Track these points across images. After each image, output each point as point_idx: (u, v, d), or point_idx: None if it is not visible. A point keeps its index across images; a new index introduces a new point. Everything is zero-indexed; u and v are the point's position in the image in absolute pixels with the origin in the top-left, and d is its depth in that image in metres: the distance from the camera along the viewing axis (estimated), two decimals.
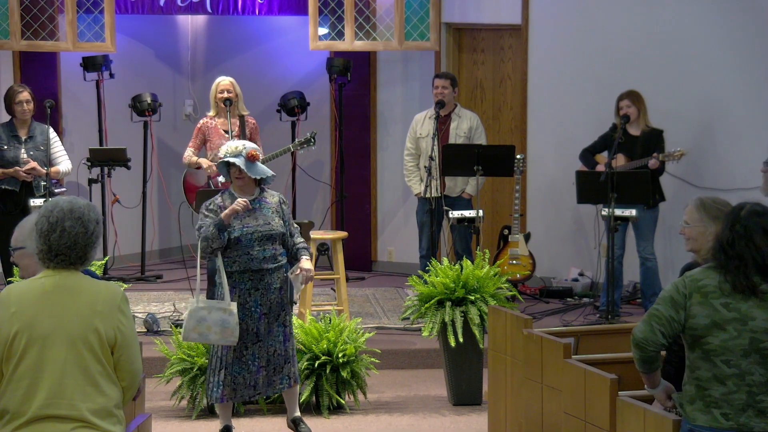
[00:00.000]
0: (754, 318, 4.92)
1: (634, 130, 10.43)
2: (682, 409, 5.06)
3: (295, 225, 7.99)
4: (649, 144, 10.37)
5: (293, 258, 7.89)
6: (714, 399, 4.95)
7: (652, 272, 10.44)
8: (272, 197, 7.86)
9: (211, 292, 7.85)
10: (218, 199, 7.82)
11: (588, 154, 10.64)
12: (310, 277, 7.87)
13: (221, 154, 7.75)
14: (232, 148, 7.70)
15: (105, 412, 4.63)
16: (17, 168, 10.32)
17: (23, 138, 10.43)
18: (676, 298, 5.00)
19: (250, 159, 7.67)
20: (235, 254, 7.74)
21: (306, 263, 7.84)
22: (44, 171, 10.28)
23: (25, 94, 10.40)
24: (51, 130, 10.56)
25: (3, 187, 10.35)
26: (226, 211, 7.63)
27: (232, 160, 7.65)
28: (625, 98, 10.42)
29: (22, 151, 10.40)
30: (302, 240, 7.96)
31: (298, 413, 8.07)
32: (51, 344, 4.59)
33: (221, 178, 10.22)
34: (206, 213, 7.76)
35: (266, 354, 7.78)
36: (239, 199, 7.66)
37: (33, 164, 10.30)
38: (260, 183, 7.83)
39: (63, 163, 10.48)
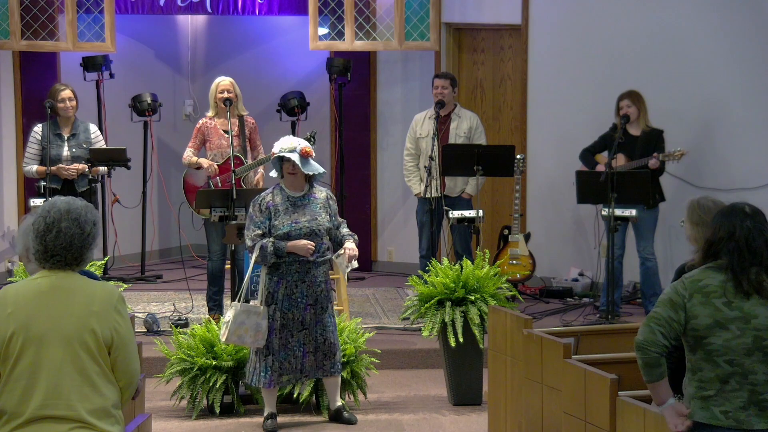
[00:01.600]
0: (756, 316, 4.92)
1: (634, 130, 10.43)
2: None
3: (341, 219, 8.25)
4: (649, 144, 10.37)
5: (338, 245, 8.15)
6: (714, 397, 4.94)
7: (652, 272, 10.44)
8: (320, 193, 8.15)
9: (243, 292, 8.13)
10: (268, 196, 8.09)
11: (588, 154, 10.64)
12: (353, 255, 8.08)
13: (276, 149, 7.99)
14: (287, 143, 7.96)
15: (103, 412, 4.63)
16: (60, 166, 10.36)
17: (66, 136, 10.47)
18: (675, 300, 5.00)
19: (304, 155, 7.95)
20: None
21: (349, 244, 8.10)
22: (84, 168, 10.35)
23: (67, 92, 10.45)
24: (94, 126, 10.62)
25: (46, 185, 10.40)
26: (291, 244, 7.91)
27: (287, 155, 7.91)
28: (625, 98, 10.42)
29: (65, 149, 10.44)
30: (348, 231, 8.22)
31: (340, 401, 8.32)
32: (47, 345, 4.59)
33: (217, 178, 10.23)
34: (257, 213, 8.06)
35: (314, 341, 8.05)
36: (308, 246, 7.92)
37: (75, 166, 10.37)
38: (310, 179, 8.09)
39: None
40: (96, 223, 4.75)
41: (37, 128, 10.54)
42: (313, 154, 8.05)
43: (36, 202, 10.22)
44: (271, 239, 7.97)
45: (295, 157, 7.91)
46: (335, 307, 9.87)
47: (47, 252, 4.68)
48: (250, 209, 8.13)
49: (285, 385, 8.21)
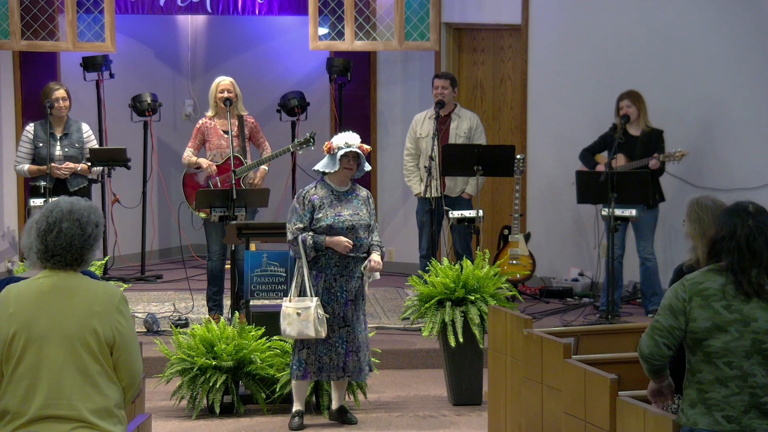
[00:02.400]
0: (756, 319, 4.91)
1: (634, 130, 10.43)
2: (682, 412, 5.06)
3: (376, 223, 8.29)
4: (649, 144, 10.37)
5: (366, 253, 8.16)
6: (716, 401, 4.94)
7: (652, 272, 10.45)
8: (362, 191, 8.26)
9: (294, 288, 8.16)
10: (312, 189, 8.15)
11: (588, 154, 10.64)
12: (376, 268, 8.10)
13: (340, 143, 8.05)
14: (351, 139, 8.08)
15: (105, 412, 4.62)
16: (53, 165, 10.35)
17: (59, 135, 10.47)
18: (674, 305, 5.00)
19: (364, 152, 8.10)
20: None
21: (375, 256, 8.11)
22: (77, 167, 10.34)
23: (61, 92, 10.44)
24: (86, 126, 10.61)
25: (38, 184, 10.40)
26: (330, 239, 7.97)
27: (354, 150, 8.00)
28: (625, 98, 10.42)
29: (58, 148, 10.43)
30: (379, 239, 8.25)
31: (343, 401, 8.33)
32: (49, 344, 4.59)
33: (217, 178, 10.23)
34: (300, 206, 8.09)
35: (356, 340, 8.08)
36: (346, 244, 7.97)
37: (68, 165, 10.36)
38: (352, 176, 8.21)
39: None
40: (98, 225, 4.74)
41: (29, 127, 10.54)
42: (368, 152, 8.20)
43: (36, 202, 10.22)
44: (311, 233, 8.01)
45: (360, 152, 8.04)
46: None
47: (48, 251, 4.68)
48: (294, 202, 8.17)
49: (325, 379, 8.19)
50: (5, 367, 4.62)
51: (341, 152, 8.02)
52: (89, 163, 10.52)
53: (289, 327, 7.98)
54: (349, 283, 8.08)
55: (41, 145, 10.40)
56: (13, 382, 4.60)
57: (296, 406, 8.22)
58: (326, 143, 8.18)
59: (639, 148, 10.37)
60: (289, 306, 7.99)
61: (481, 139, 10.81)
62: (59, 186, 10.41)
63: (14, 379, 4.60)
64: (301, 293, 8.08)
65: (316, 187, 8.16)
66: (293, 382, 8.19)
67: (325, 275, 8.07)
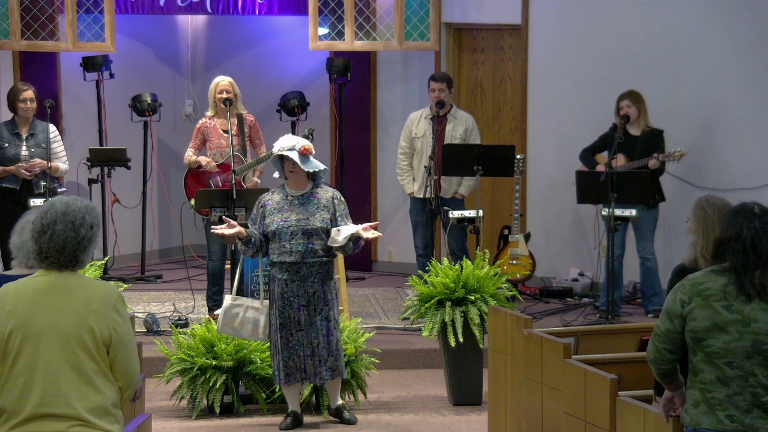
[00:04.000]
0: (756, 320, 4.91)
1: (634, 130, 10.43)
2: (685, 412, 5.05)
3: (349, 218, 8.11)
4: (649, 144, 10.37)
5: (326, 255, 8.03)
6: (719, 401, 4.93)
7: (652, 272, 10.45)
8: (326, 193, 8.09)
9: (241, 289, 8.25)
10: (269, 194, 8.13)
11: (588, 154, 10.64)
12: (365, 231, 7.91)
13: (275, 148, 7.96)
14: (286, 142, 7.94)
15: (102, 410, 4.62)
16: (19, 165, 10.32)
17: (24, 136, 10.44)
18: (671, 309, 5.02)
19: (304, 153, 7.93)
20: (274, 246, 8.03)
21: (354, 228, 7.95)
22: (46, 165, 10.28)
23: (29, 93, 10.42)
24: (52, 127, 10.57)
25: (4, 185, 10.36)
26: (222, 231, 7.91)
27: (286, 153, 7.88)
28: (625, 98, 10.42)
29: (23, 148, 10.40)
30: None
31: (340, 401, 8.31)
32: (45, 342, 4.59)
33: (216, 177, 10.24)
34: (255, 209, 8.13)
35: (310, 344, 8.02)
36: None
37: (37, 161, 10.30)
38: (314, 178, 8.06)
39: (63, 162, 10.50)
40: (94, 226, 4.73)
41: None
42: (313, 152, 8.03)
43: (36, 202, 10.21)
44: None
45: (294, 155, 7.88)
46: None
47: (42, 253, 4.68)
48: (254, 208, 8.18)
49: (293, 383, 8.13)
50: (2, 365, 4.62)
51: (281, 156, 7.96)
52: (65, 163, 10.46)
53: (239, 326, 8.04)
54: (302, 288, 7.96)
55: (6, 145, 10.38)
56: (9, 380, 4.60)
57: (290, 407, 8.25)
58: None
59: (639, 148, 10.37)
60: (242, 302, 8.07)
61: (477, 140, 10.81)
62: (25, 187, 10.35)
63: (11, 377, 4.60)
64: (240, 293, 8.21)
65: (274, 191, 8.12)
66: (283, 388, 8.22)
67: (279, 280, 8.00)
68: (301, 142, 7.95)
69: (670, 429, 5.30)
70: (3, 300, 4.66)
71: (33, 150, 10.40)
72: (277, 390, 8.43)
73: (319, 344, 8.02)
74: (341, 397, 8.48)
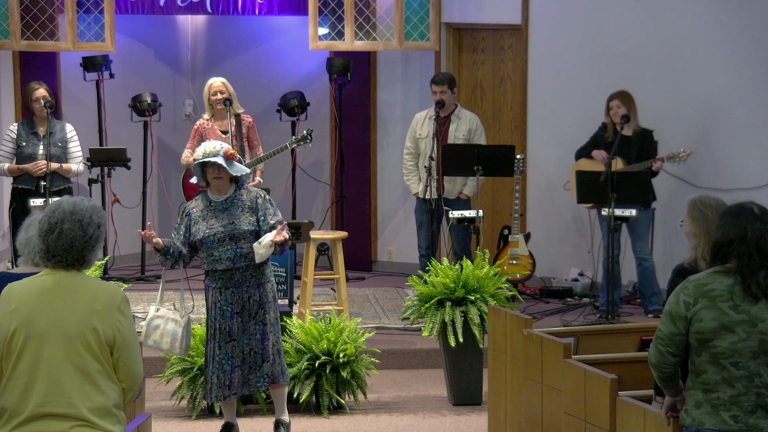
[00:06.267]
0: (764, 320, 4.91)
1: (625, 131, 10.43)
2: (686, 413, 5.05)
3: (277, 215, 7.78)
4: (642, 145, 10.38)
5: (252, 260, 7.70)
6: (723, 401, 4.93)
7: (649, 272, 10.44)
8: (248, 194, 7.79)
9: (160, 296, 7.99)
10: (192, 202, 7.83)
11: (585, 153, 10.63)
12: (280, 238, 7.55)
13: (198, 155, 7.67)
14: (210, 148, 7.65)
15: (104, 411, 4.62)
16: (37, 162, 10.35)
17: (42, 135, 10.46)
18: (674, 312, 5.01)
19: (229, 158, 7.65)
20: (203, 255, 7.77)
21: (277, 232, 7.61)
22: (57, 166, 10.32)
23: (41, 91, 10.45)
24: (70, 126, 10.60)
25: (20, 186, 10.40)
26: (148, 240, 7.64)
27: (212, 159, 7.59)
28: (615, 98, 10.44)
29: (41, 147, 10.43)
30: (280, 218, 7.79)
31: (283, 416, 7.96)
32: (48, 342, 4.59)
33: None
34: (178, 218, 7.85)
35: (241, 353, 7.71)
36: (36, 165, 7.58)
37: (41, 163, 10.33)
38: (236, 182, 7.78)
39: (77, 163, 10.54)
40: (101, 225, 4.74)
41: (13, 127, 10.58)
42: (237, 156, 7.80)
43: (36, 202, 10.22)
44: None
45: (220, 161, 7.59)
46: (335, 307, 9.90)
47: (49, 252, 4.68)
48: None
49: (215, 401, 7.84)
50: (5, 364, 4.62)
51: (204, 163, 7.65)
52: (80, 164, 10.49)
53: (159, 339, 7.76)
54: (236, 294, 7.67)
55: (24, 144, 10.40)
56: (12, 380, 4.61)
57: (225, 419, 7.95)
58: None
59: (633, 148, 10.36)
60: (164, 315, 7.79)
61: (481, 140, 10.80)
62: (39, 186, 10.38)
63: (14, 376, 4.60)
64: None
65: (197, 199, 7.82)
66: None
67: (212, 289, 7.72)
68: (225, 147, 7.67)
69: (670, 429, 5.30)
70: (7, 299, 4.66)
71: (50, 149, 10.43)
72: None
73: (251, 350, 7.69)
74: (341, 398, 8.48)
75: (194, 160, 7.76)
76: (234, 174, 7.67)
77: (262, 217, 7.72)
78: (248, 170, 7.84)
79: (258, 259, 7.63)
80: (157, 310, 7.85)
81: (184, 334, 7.77)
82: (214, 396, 7.75)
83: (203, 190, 7.91)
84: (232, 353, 7.70)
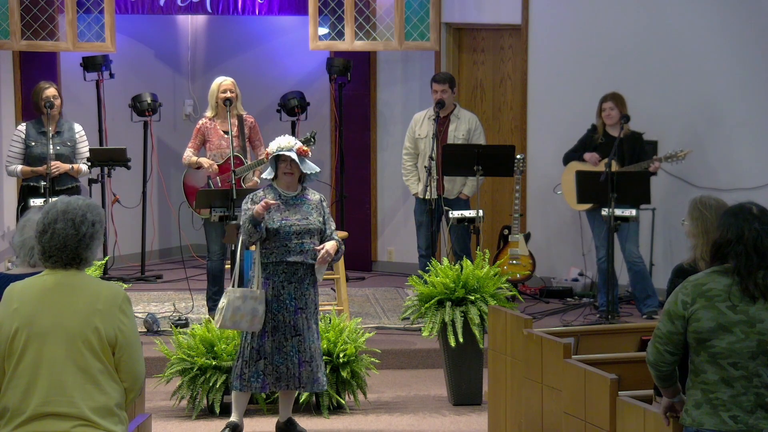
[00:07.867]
0: (762, 320, 4.91)
1: (614, 132, 10.42)
2: (686, 413, 5.05)
3: (331, 223, 8.03)
4: (634, 148, 10.37)
5: (314, 259, 7.88)
6: (722, 402, 4.94)
7: (641, 275, 10.42)
8: (314, 195, 8.00)
9: (241, 282, 8.04)
10: (261, 192, 7.95)
11: (576, 156, 10.62)
12: (324, 257, 7.82)
13: (272, 148, 7.83)
14: (284, 142, 7.81)
15: (106, 410, 4.62)
16: (53, 163, 10.35)
17: (51, 134, 10.46)
18: (672, 311, 5.02)
19: (302, 154, 7.84)
20: (273, 245, 7.84)
21: (327, 244, 7.86)
22: (68, 167, 10.32)
23: (50, 90, 10.44)
24: (78, 126, 10.60)
25: (32, 183, 10.41)
26: (257, 206, 7.68)
27: (286, 153, 7.76)
28: (608, 100, 10.44)
29: (50, 147, 10.42)
30: (336, 237, 8.01)
31: (291, 416, 8.08)
32: (50, 341, 4.59)
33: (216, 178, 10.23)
34: (248, 206, 7.86)
35: (308, 350, 7.82)
36: (263, 204, 7.67)
37: (57, 164, 10.35)
38: (302, 181, 7.95)
39: (84, 163, 10.55)
40: (96, 223, 4.72)
41: (21, 127, 10.56)
42: (310, 154, 7.97)
43: (36, 202, 10.22)
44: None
45: (293, 156, 7.80)
46: (335, 307, 9.91)
47: (45, 252, 4.69)
48: (243, 204, 7.93)
49: (284, 389, 7.94)
50: (7, 363, 4.63)
51: (278, 156, 7.81)
52: (87, 164, 10.51)
53: (239, 319, 7.73)
54: (298, 290, 7.80)
55: (34, 144, 10.40)
56: (14, 379, 4.61)
57: (233, 417, 7.97)
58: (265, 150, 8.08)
59: (626, 151, 10.35)
60: (243, 294, 7.74)
61: (481, 140, 10.80)
62: (52, 185, 10.40)
63: (16, 375, 4.61)
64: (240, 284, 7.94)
65: (265, 190, 7.93)
66: (234, 392, 7.95)
67: (273, 282, 7.80)
68: (298, 143, 7.86)
69: (669, 429, 5.30)
70: (9, 298, 4.67)
71: (59, 148, 10.43)
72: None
73: (316, 349, 7.84)
74: (341, 398, 8.48)
75: (268, 153, 7.90)
76: (304, 171, 7.83)
77: (326, 220, 7.95)
78: (318, 169, 7.97)
79: (319, 278, 7.89)
80: (234, 291, 7.79)
81: (264, 309, 7.76)
82: (283, 385, 7.78)
83: (269, 184, 7.98)
84: (299, 348, 7.80)
